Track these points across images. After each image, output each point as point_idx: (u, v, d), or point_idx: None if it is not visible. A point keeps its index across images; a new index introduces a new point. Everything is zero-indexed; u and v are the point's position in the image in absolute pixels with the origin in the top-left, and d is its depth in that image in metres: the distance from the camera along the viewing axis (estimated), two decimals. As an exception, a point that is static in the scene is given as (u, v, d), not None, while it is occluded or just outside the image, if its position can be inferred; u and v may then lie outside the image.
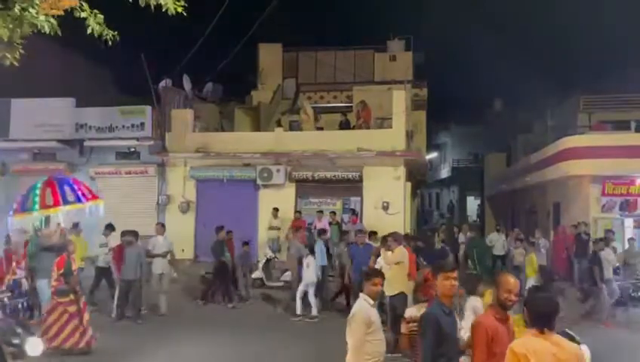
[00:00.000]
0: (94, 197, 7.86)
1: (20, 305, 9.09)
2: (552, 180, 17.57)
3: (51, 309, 7.99)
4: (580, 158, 15.60)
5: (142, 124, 15.91)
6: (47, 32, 5.32)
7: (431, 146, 29.14)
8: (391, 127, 15.28)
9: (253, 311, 11.62)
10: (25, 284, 9.52)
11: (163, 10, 5.49)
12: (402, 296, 8.55)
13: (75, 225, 11.93)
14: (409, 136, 16.05)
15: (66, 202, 7.09)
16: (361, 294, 4.63)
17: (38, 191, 7.10)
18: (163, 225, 11.92)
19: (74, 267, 8.23)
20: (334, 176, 15.18)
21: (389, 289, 8.47)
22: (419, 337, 4.40)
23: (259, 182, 15.44)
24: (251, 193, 15.63)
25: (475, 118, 32.85)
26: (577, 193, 16.05)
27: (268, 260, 13.79)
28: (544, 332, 3.45)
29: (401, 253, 9.09)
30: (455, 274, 4.30)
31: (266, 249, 14.28)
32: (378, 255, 10.03)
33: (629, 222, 15.74)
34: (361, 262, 10.15)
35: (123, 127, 15.95)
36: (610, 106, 19.21)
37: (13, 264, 9.56)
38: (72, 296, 8.02)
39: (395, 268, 8.87)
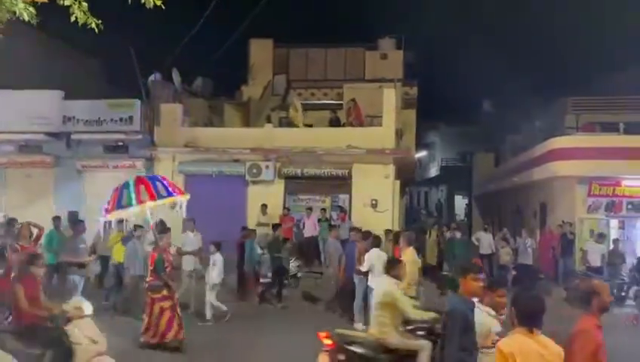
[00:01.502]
0: (181, 192, 7.82)
1: None
2: (540, 180, 17.73)
3: (146, 306, 7.95)
4: (567, 159, 15.76)
5: (130, 117, 15.77)
6: (26, 20, 5.26)
7: (420, 145, 29.18)
8: (381, 125, 15.30)
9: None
10: None
11: (142, 2, 5.46)
12: None
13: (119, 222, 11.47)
14: (399, 134, 16.10)
15: (160, 196, 7.18)
16: (480, 306, 4.54)
17: (132, 188, 7.22)
18: (193, 221, 11.51)
19: (167, 262, 8.14)
20: (323, 173, 15.18)
21: None
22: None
23: (248, 178, 15.40)
24: (240, 189, 15.58)
25: (465, 118, 33.04)
26: (564, 193, 16.21)
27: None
28: (532, 331, 3.46)
29: (412, 254, 9.11)
30: (483, 275, 4.51)
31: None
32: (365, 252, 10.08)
33: (614, 223, 15.95)
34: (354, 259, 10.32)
35: (111, 120, 15.79)
36: (598, 108, 19.42)
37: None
38: (165, 292, 7.91)
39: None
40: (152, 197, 7.19)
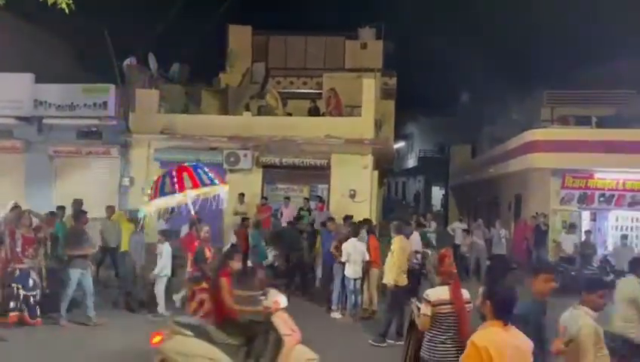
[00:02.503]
0: (222, 181, 7.62)
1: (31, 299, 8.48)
2: (515, 172, 17.97)
3: (189, 298, 7.72)
4: (542, 151, 16.00)
5: (105, 103, 15.40)
6: None
7: (399, 136, 29.37)
8: (360, 115, 15.27)
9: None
10: (34, 275, 8.58)
11: None
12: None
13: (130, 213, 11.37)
14: (377, 125, 16.10)
15: (203, 184, 6.97)
16: (579, 307, 4.43)
17: (175, 175, 6.97)
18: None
19: (208, 254, 7.89)
20: (302, 162, 15.10)
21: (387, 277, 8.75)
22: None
23: (225, 166, 15.22)
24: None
25: (442, 109, 33.29)
26: (538, 185, 16.47)
27: (233, 245, 13.65)
28: (507, 324, 3.44)
29: (401, 241, 9.12)
30: (554, 275, 4.55)
31: (231, 235, 14.12)
32: (345, 240, 10.09)
33: (585, 215, 16.28)
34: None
35: (85, 105, 15.40)
36: (572, 101, 19.74)
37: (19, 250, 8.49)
38: (205, 284, 7.51)
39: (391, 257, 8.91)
40: (196, 185, 6.94)
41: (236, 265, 6.32)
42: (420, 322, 4.78)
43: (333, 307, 10.16)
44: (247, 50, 20.97)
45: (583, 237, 14.45)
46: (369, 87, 15.28)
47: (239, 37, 21.01)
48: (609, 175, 15.68)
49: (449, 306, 4.60)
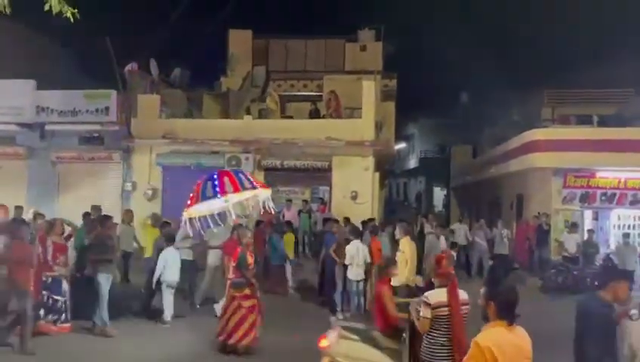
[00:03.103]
0: (264, 186, 7.71)
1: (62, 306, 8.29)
2: (516, 172, 17.98)
3: (227, 304, 7.58)
4: (543, 151, 16.00)
5: (106, 108, 15.49)
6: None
7: (399, 137, 29.37)
8: (360, 117, 15.32)
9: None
10: (64, 282, 8.37)
11: None
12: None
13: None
14: (378, 126, 16.14)
15: (244, 188, 6.98)
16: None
17: (216, 181, 7.03)
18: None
19: (250, 260, 7.78)
20: (303, 164, 15.16)
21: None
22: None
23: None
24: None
25: (443, 110, 33.29)
26: (540, 185, 16.47)
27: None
28: (512, 324, 3.44)
29: (407, 243, 9.12)
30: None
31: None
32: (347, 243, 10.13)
33: (588, 214, 16.28)
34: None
35: (87, 111, 15.49)
36: (573, 101, 19.75)
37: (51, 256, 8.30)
38: (247, 290, 7.55)
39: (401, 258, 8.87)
40: (237, 190, 6.96)
41: (394, 273, 6.29)
42: (419, 324, 4.80)
43: (337, 309, 10.18)
44: (248, 54, 21.04)
45: (586, 237, 14.44)
46: (369, 89, 15.33)
47: (239, 41, 21.08)
48: (611, 174, 15.67)
49: (447, 308, 4.61)
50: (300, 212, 14.93)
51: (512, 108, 23.16)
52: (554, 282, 13.03)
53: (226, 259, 8.84)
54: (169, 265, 9.13)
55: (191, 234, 8.09)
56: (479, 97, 28.60)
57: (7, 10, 5.22)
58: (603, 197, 15.77)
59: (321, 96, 18.41)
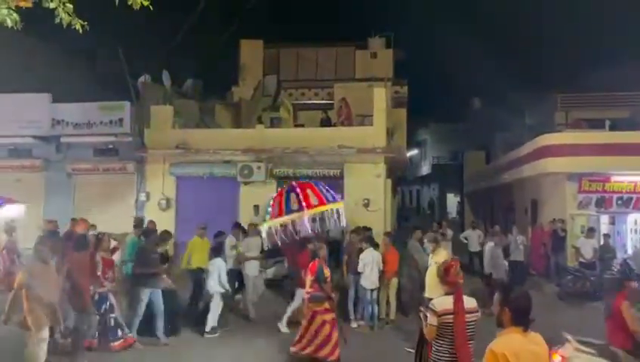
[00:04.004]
0: (341, 199, 7.74)
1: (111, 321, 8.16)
2: (530, 177, 17.83)
3: (307, 317, 7.54)
4: (557, 156, 15.85)
5: (120, 120, 15.69)
6: (10, 26, 5.20)
7: (411, 143, 29.27)
8: (371, 125, 15.32)
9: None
10: (112, 297, 8.25)
11: (129, 3, 5.43)
12: None
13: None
14: (389, 133, 16.11)
15: (328, 201, 6.98)
16: None
17: (299, 192, 7.01)
18: (256, 225, 11.28)
19: (327, 273, 7.67)
20: (315, 172, 15.15)
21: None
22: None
23: (239, 178, 15.34)
24: (232, 190, 15.52)
25: (455, 116, 33.17)
26: (554, 190, 16.32)
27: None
28: (527, 330, 3.43)
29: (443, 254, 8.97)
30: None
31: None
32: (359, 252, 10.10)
33: (604, 219, 16.07)
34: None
35: (101, 123, 15.70)
36: (586, 105, 19.57)
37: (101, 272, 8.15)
38: (327, 304, 7.48)
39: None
40: (322, 203, 6.95)
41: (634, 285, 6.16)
42: (426, 332, 4.79)
43: (351, 317, 10.15)
44: (259, 64, 21.20)
45: (602, 241, 14.25)
46: (380, 96, 15.33)
47: (250, 51, 21.25)
48: (626, 178, 15.48)
49: (453, 316, 4.61)
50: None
51: (525, 113, 23.02)
52: (571, 288, 12.87)
53: (302, 273, 8.65)
54: (216, 275, 9.15)
55: (265, 246, 8.15)
56: (492, 102, 28.48)
57: (19, 26, 5.30)
58: (619, 202, 15.57)
59: (332, 104, 18.46)
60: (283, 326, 9.30)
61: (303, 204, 6.81)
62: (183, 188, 15.79)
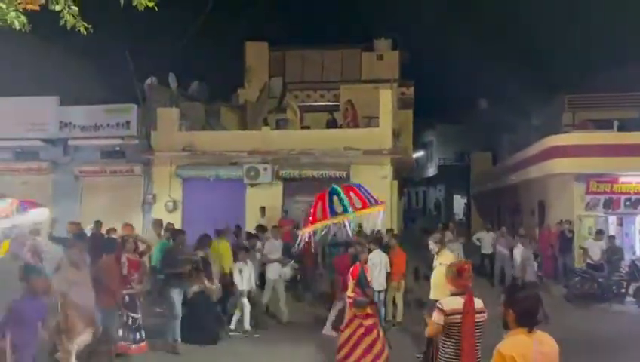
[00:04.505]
0: (382, 202, 7.49)
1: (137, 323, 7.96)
2: (537, 178, 17.74)
3: (348, 323, 7.34)
4: (564, 157, 15.75)
5: (127, 122, 15.76)
6: (18, 29, 5.23)
7: (417, 145, 29.25)
8: (378, 126, 15.31)
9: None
10: (138, 300, 8.09)
11: (134, 4, 5.43)
12: None
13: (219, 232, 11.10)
14: (396, 134, 16.09)
15: (371, 204, 6.93)
16: None
17: (342, 195, 6.87)
18: (276, 227, 11.24)
19: (369, 277, 7.55)
20: (321, 174, 15.16)
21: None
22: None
23: (245, 180, 15.37)
24: (238, 192, 15.56)
25: (461, 117, 33.04)
26: (562, 191, 16.22)
27: None
28: (532, 331, 3.42)
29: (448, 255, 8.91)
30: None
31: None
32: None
33: (612, 220, 15.95)
34: None
35: (108, 125, 15.78)
36: (594, 105, 19.44)
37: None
38: (369, 309, 7.33)
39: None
40: (365, 205, 6.78)
41: None
42: (429, 328, 4.79)
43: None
44: (265, 66, 21.24)
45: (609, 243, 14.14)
46: (386, 98, 15.32)
47: (256, 53, 21.30)
48: (634, 178, 15.36)
49: (461, 316, 4.59)
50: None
51: (531, 114, 22.92)
52: (579, 290, 12.79)
53: (342, 277, 8.51)
54: (247, 275, 9.30)
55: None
56: (498, 103, 28.36)
57: (27, 29, 5.33)
58: (627, 203, 15.45)
59: (338, 105, 18.46)
60: (328, 330, 9.15)
61: (348, 206, 6.70)
62: (189, 190, 15.85)
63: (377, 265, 9.73)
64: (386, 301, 10.19)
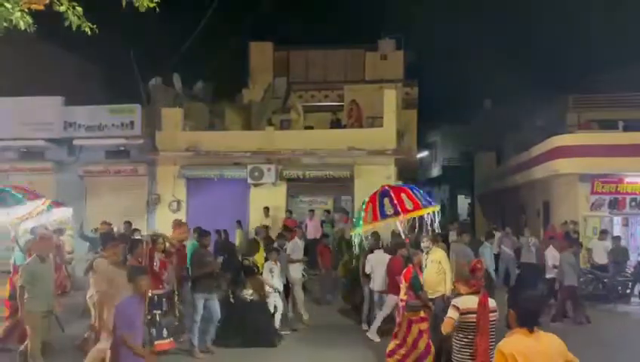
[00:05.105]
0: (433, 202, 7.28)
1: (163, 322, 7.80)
2: (542, 179, 17.68)
3: (402, 327, 7.19)
4: (569, 157, 15.70)
5: (131, 122, 15.81)
6: (23, 28, 5.26)
7: (421, 145, 29.19)
8: (382, 126, 15.29)
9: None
10: (164, 301, 7.89)
11: (135, 5, 5.46)
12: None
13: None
14: (400, 135, 16.08)
15: (423, 205, 6.85)
16: None
17: (393, 197, 6.73)
18: (300, 227, 11.25)
19: (422, 280, 7.35)
20: (325, 174, 15.17)
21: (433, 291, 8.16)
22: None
23: (249, 181, 15.40)
24: (242, 192, 15.59)
25: (465, 117, 32.98)
26: (566, 191, 16.16)
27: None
28: (533, 331, 3.47)
29: (441, 253, 8.88)
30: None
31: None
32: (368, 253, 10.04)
33: (617, 220, 15.88)
34: None
35: (112, 125, 15.83)
36: (598, 106, 19.34)
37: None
38: (422, 313, 7.19)
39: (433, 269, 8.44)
40: (417, 207, 6.63)
41: None
42: (444, 324, 4.82)
43: (363, 318, 10.10)
44: (269, 66, 21.26)
45: (614, 244, 14.06)
46: (390, 98, 15.30)
47: (260, 53, 21.33)
48: (639, 178, 15.30)
49: (475, 315, 4.66)
50: (322, 222, 14.93)
51: (536, 114, 22.82)
52: (584, 291, 12.70)
53: (394, 280, 8.37)
54: (273, 275, 9.29)
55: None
56: (502, 103, 28.30)
57: (32, 29, 5.36)
58: (632, 203, 15.39)
59: (342, 105, 18.46)
60: (373, 335, 8.99)
61: (399, 208, 6.64)
62: (193, 190, 15.88)
63: (376, 266, 9.69)
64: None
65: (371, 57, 21.31)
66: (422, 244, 8.39)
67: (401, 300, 7.24)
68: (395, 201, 6.62)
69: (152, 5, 5.54)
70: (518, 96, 22.70)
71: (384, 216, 6.64)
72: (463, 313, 4.69)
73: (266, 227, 12.70)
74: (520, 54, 26.83)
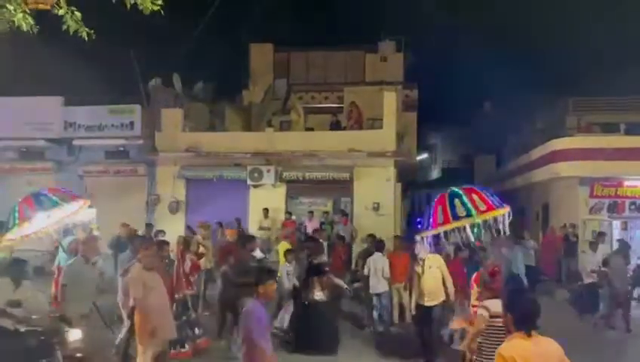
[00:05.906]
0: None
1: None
2: (541, 182, 17.68)
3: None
4: (568, 160, 15.70)
5: (131, 123, 15.82)
6: (25, 30, 5.26)
7: (421, 147, 29.19)
8: (382, 128, 15.30)
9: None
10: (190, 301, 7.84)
11: (139, 7, 5.46)
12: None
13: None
14: (399, 137, 16.09)
15: (496, 207, 6.59)
16: None
17: (465, 198, 6.58)
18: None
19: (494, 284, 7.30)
20: (325, 176, 15.17)
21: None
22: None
23: (249, 182, 15.39)
24: (242, 193, 15.58)
25: (465, 119, 32.98)
26: (566, 195, 16.16)
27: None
28: (531, 334, 3.48)
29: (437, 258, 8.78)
30: None
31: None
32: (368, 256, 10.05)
33: (616, 224, 15.87)
34: None
35: (112, 126, 15.85)
36: (599, 109, 19.35)
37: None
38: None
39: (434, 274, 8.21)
40: (490, 208, 6.51)
41: None
42: (476, 321, 4.95)
43: (364, 322, 10.11)
44: (269, 67, 21.27)
45: (615, 247, 14.05)
46: (390, 100, 15.31)
47: (261, 54, 21.34)
48: (639, 182, 15.29)
49: (501, 319, 4.66)
50: (322, 224, 14.91)
51: (536, 117, 22.82)
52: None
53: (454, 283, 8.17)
54: (289, 278, 9.21)
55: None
56: (502, 106, 28.28)
57: (34, 30, 5.37)
58: (632, 207, 15.39)
59: (342, 107, 18.47)
60: (457, 344, 8.30)
61: (472, 210, 6.49)
62: (192, 191, 15.88)
63: (376, 269, 9.68)
64: (392, 303, 10.12)
65: (371, 59, 21.32)
66: (416, 251, 8.05)
67: (472, 306, 6.81)
68: (468, 202, 6.43)
69: (156, 8, 5.54)
70: (518, 98, 22.68)
71: (456, 217, 6.47)
72: (492, 316, 4.77)
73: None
74: (520, 56, 26.80)
